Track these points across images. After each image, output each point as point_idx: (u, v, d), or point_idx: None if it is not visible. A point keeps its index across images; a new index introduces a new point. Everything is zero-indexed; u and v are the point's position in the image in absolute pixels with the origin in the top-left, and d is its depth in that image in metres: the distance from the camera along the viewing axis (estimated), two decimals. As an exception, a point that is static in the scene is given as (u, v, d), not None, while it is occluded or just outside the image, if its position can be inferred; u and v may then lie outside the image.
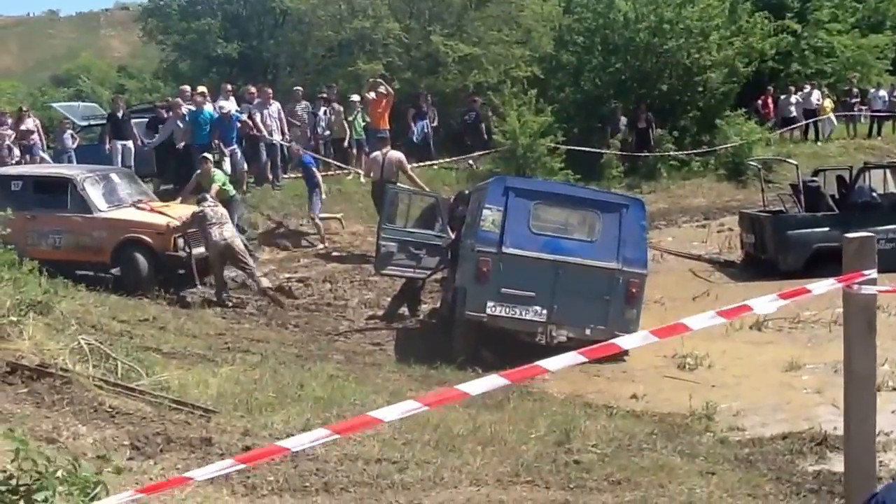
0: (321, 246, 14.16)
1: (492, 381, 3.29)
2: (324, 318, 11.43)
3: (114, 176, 13.10)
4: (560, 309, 9.18)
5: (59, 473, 2.80)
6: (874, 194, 13.54)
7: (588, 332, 9.09)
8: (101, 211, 11.96)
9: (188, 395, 6.75)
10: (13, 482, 2.78)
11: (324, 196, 14.69)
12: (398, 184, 13.04)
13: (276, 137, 16.64)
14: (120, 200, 12.51)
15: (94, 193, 12.17)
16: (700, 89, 20.52)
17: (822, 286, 3.12)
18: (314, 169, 14.82)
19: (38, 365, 6.58)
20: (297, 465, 5.78)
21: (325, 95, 18.36)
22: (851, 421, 3.10)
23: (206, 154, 13.85)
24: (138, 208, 12.34)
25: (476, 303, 9.26)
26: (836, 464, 6.42)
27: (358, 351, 9.94)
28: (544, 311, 9.19)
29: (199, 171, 13.28)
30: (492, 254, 9.28)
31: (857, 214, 13.08)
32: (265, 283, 12.00)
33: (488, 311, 9.21)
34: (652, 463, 6.16)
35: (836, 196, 13.76)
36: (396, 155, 13.86)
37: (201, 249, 12.08)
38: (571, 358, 3.24)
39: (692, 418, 7.50)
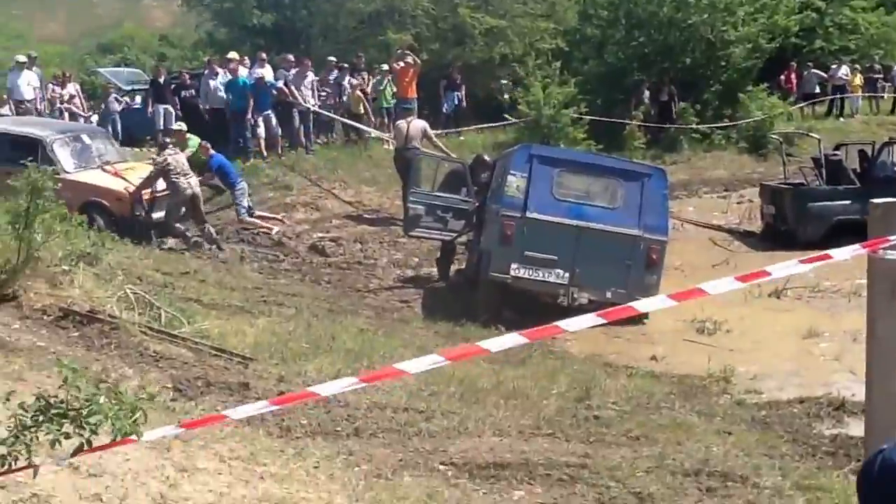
0: (275, 231, 12.84)
1: (512, 339, 3.28)
2: (354, 275, 11.51)
3: (85, 136, 12.89)
4: (582, 272, 9.19)
5: (102, 399, 2.87)
6: (896, 169, 13.35)
7: (609, 295, 9.09)
8: (67, 172, 11.53)
9: (227, 344, 6.86)
10: (64, 406, 2.85)
11: (247, 193, 13.15)
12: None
13: (311, 104, 16.70)
14: (88, 161, 12.28)
15: (63, 154, 11.90)
16: (723, 64, 20.18)
17: (846, 252, 3.08)
18: (226, 169, 13.04)
19: (89, 311, 6.72)
20: (329, 411, 5.87)
21: (343, 65, 18.20)
22: (874, 384, 3.04)
23: (179, 124, 13.83)
24: (104, 171, 12.12)
25: (501, 265, 9.29)
26: (854, 428, 6.38)
27: (387, 307, 10.01)
28: (566, 275, 9.20)
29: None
30: (516, 218, 9.29)
31: (879, 188, 12.85)
32: (200, 239, 11.89)
33: (512, 272, 9.24)
34: (670, 421, 6.17)
35: (858, 170, 13.55)
36: (420, 123, 13.83)
37: (161, 213, 11.98)
38: (590, 319, 3.22)
39: (710, 380, 7.48)
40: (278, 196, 14.40)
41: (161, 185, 11.90)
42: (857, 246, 3.03)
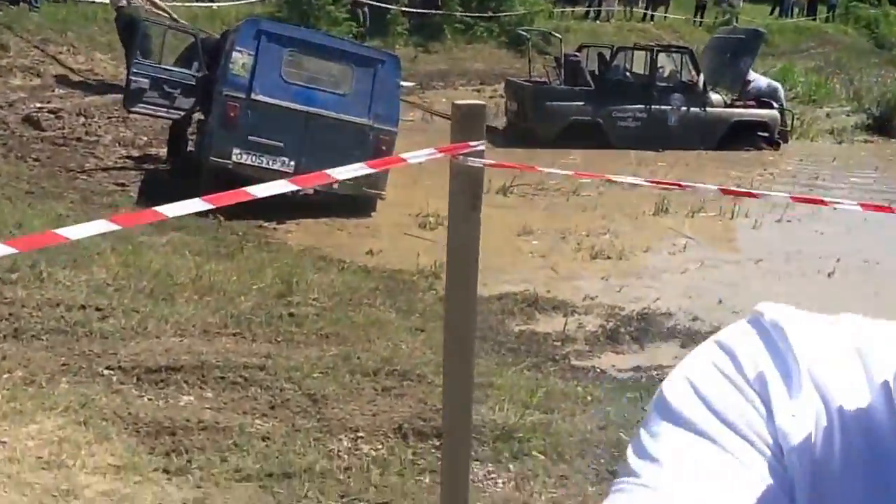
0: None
1: (193, 205, 2.89)
2: (70, 153, 10.42)
3: None
4: (308, 161, 8.80)
5: None
6: (627, 74, 13.91)
7: (335, 186, 8.81)
8: None
9: None
10: None
11: None
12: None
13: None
14: None
15: None
16: (492, -49, 20.05)
17: (420, 155, 2.92)
18: None
19: None
20: (-13, 310, 5.26)
21: None
22: (450, 293, 2.93)
23: None
24: None
25: (222, 148, 8.72)
26: (542, 324, 6.67)
27: (97, 191, 9.16)
28: (292, 163, 8.80)
29: None
30: (240, 99, 8.71)
31: (611, 91, 13.43)
32: None
33: (234, 157, 8.72)
34: (365, 319, 6.08)
35: (596, 72, 14.01)
36: None
37: None
38: (282, 185, 2.89)
39: (419, 276, 7.47)
40: None
41: None
42: (432, 150, 2.86)
